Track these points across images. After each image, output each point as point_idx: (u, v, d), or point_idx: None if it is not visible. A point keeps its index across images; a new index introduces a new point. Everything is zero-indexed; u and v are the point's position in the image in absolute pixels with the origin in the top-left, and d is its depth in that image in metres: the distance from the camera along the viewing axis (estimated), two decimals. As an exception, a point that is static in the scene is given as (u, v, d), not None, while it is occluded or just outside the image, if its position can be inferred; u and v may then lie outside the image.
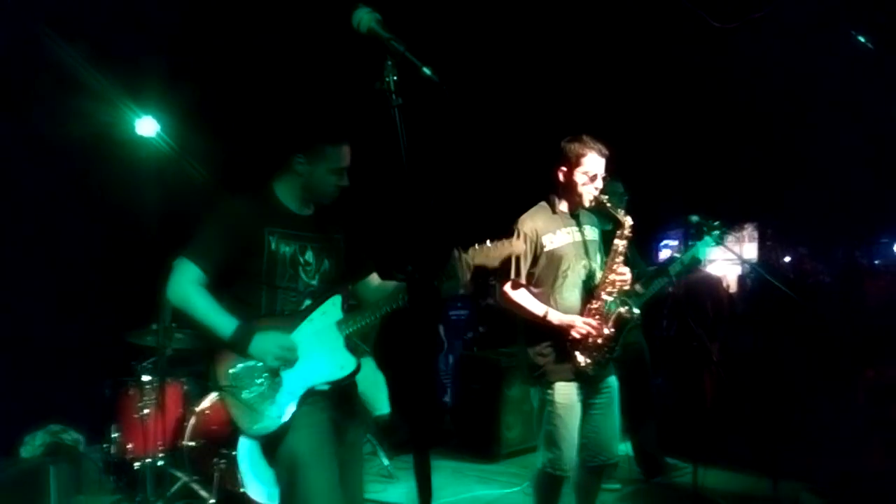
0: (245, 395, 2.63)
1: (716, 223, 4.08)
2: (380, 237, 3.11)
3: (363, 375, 4.96)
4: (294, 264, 2.75)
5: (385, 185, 2.07)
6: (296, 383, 2.66)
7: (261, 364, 2.64)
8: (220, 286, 2.69)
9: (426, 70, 1.85)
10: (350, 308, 2.84)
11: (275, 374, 2.65)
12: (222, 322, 2.61)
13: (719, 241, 4.11)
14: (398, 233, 1.89)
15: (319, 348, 2.72)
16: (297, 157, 2.73)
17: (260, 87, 5.16)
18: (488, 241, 2.81)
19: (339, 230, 2.91)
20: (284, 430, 2.61)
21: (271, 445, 2.65)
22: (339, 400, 2.76)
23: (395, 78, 1.85)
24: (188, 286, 2.62)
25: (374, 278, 3.03)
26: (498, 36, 5.58)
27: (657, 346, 4.85)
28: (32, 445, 4.41)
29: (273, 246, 2.70)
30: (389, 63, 1.85)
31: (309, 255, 2.78)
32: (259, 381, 2.64)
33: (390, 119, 1.85)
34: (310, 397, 2.66)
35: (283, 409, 2.63)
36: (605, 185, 4.19)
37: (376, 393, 5.08)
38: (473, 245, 2.75)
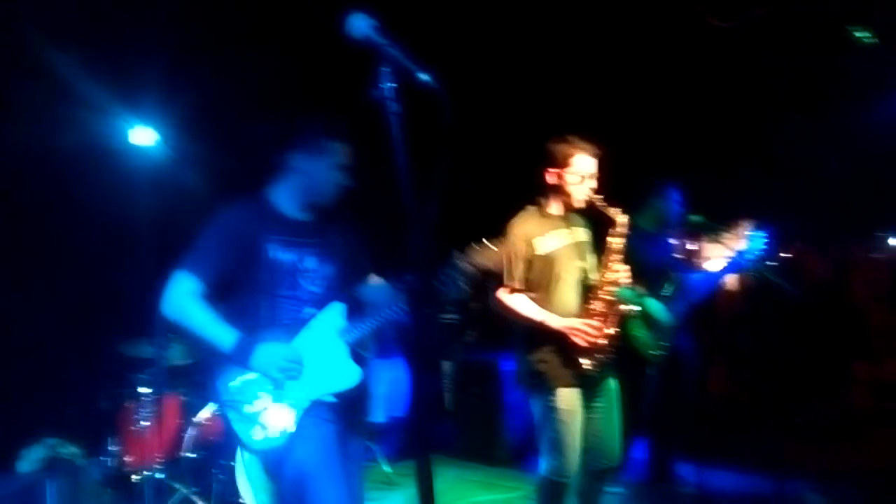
0: (247, 408, 2.57)
1: (734, 230, 4.05)
2: (378, 245, 3.07)
3: (392, 376, 5.00)
4: (294, 272, 2.68)
5: (383, 192, 2.04)
6: (299, 395, 2.61)
7: (263, 377, 2.58)
8: (219, 297, 2.63)
9: (423, 76, 1.82)
10: (351, 315, 2.79)
11: (278, 386, 2.59)
12: (222, 334, 2.54)
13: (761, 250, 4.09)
14: (396, 241, 1.86)
15: (323, 358, 2.67)
16: (297, 154, 2.68)
17: (256, 95, 5.13)
18: (485, 241, 2.79)
19: (337, 233, 2.85)
20: (290, 443, 2.56)
21: (275, 460, 2.59)
22: (344, 411, 2.71)
23: (391, 85, 1.83)
24: (186, 298, 2.55)
25: (372, 279, 2.99)
26: (493, 36, 5.55)
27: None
28: (30, 460, 4.37)
29: (271, 254, 2.64)
30: (386, 70, 1.83)
31: (310, 262, 2.72)
32: (262, 393, 2.59)
33: (387, 126, 1.82)
34: (314, 409, 2.61)
35: (288, 421, 2.57)
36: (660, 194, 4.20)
37: (398, 395, 5.09)
38: (470, 245, 2.74)
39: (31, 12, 4.38)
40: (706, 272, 4.51)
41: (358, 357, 2.74)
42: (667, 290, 4.21)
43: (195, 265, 2.59)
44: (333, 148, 2.70)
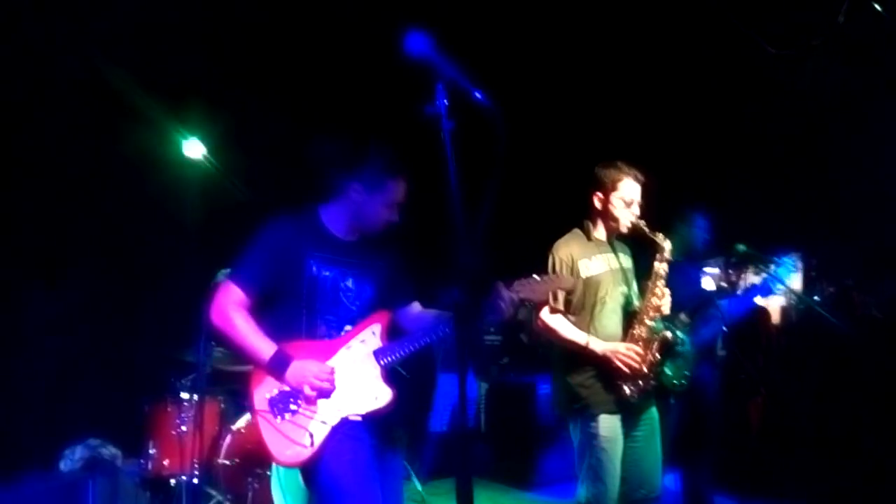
0: (279, 421, 2.60)
1: (774, 258, 3.97)
2: (426, 264, 3.07)
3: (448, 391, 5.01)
4: (335, 290, 2.73)
5: (433, 210, 2.06)
6: (330, 412, 2.62)
7: (296, 391, 2.61)
8: (262, 308, 2.69)
9: (478, 94, 1.84)
10: (390, 337, 2.80)
11: (310, 401, 2.61)
12: (261, 346, 2.60)
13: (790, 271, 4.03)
14: (444, 260, 1.87)
15: (355, 377, 2.68)
16: (355, 184, 2.73)
17: (311, 111, 5.21)
18: (535, 275, 2.78)
19: (382, 257, 2.88)
20: (317, 458, 2.56)
21: (308, 473, 2.60)
22: (377, 429, 2.70)
23: (445, 102, 1.85)
24: (230, 308, 2.63)
25: (415, 306, 2.99)
26: (544, 59, 5.57)
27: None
28: (71, 459, 4.45)
29: (314, 270, 2.69)
30: (440, 87, 1.86)
31: (350, 282, 2.76)
32: (294, 407, 2.61)
33: (441, 142, 1.84)
34: (345, 427, 2.62)
35: (316, 437, 2.58)
36: (689, 219, 4.12)
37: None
38: (518, 279, 2.73)
39: (95, 34, 4.54)
40: (737, 298, 4.42)
41: (394, 377, 2.73)
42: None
43: (241, 277, 2.66)
44: (391, 187, 2.75)
